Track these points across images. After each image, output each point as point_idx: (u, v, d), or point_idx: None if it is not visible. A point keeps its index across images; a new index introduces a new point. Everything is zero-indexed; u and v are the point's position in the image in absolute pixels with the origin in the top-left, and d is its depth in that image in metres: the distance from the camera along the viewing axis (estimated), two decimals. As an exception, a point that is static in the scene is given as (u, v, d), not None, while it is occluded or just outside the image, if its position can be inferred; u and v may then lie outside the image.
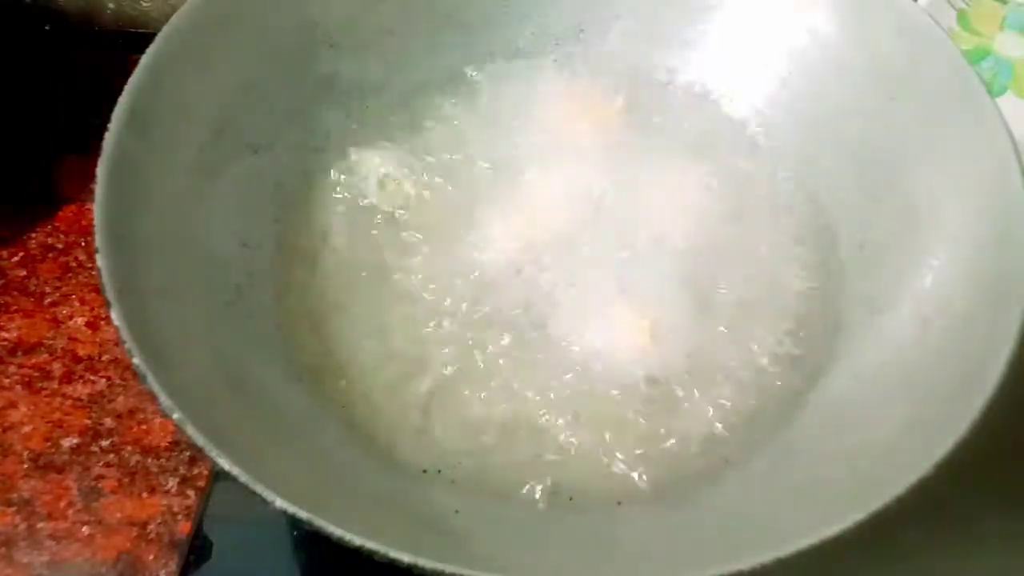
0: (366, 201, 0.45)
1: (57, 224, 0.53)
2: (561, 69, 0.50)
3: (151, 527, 0.43)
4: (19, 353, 0.48)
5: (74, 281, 0.50)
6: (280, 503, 0.29)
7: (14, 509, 0.43)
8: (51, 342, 0.48)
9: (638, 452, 0.39)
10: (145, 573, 0.42)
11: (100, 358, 0.48)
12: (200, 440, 0.30)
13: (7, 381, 0.47)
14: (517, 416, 0.39)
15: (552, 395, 0.40)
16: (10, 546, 0.43)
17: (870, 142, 0.44)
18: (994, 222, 0.38)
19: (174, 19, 0.40)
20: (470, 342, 0.41)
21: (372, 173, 0.46)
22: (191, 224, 0.39)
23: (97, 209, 0.35)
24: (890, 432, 0.36)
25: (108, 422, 0.46)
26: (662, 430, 0.39)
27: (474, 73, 0.49)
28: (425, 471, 0.38)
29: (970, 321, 0.37)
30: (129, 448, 0.45)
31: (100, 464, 0.45)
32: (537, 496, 0.38)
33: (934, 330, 0.38)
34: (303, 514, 0.29)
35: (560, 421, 0.39)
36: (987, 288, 0.37)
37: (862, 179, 0.44)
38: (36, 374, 0.47)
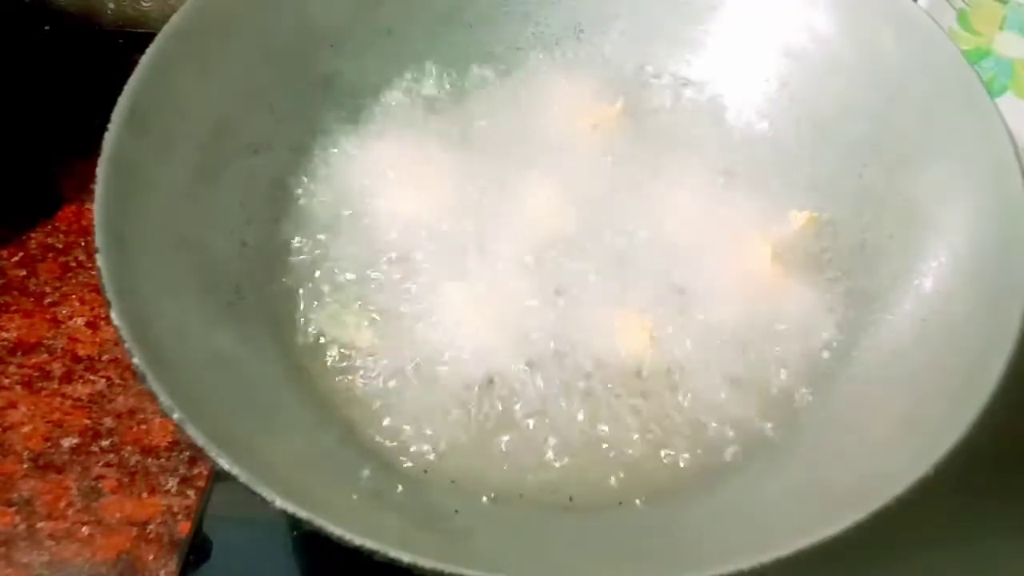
0: (367, 200, 0.45)
1: (57, 224, 0.53)
2: (561, 69, 0.50)
3: (151, 527, 0.43)
4: (19, 353, 0.48)
5: (74, 281, 0.50)
6: (280, 503, 0.29)
7: (14, 509, 0.43)
8: (51, 342, 0.48)
9: (638, 452, 0.39)
10: (145, 573, 0.42)
11: (100, 358, 0.48)
12: (200, 440, 0.30)
13: (7, 381, 0.47)
14: (518, 417, 0.39)
15: (552, 395, 0.40)
16: (10, 546, 0.42)
17: (870, 142, 0.44)
18: (994, 222, 0.38)
19: (174, 19, 0.40)
20: (470, 344, 0.41)
21: (372, 173, 0.46)
22: (191, 224, 0.40)
23: (97, 209, 0.35)
24: (890, 432, 0.36)
25: (108, 422, 0.46)
26: (662, 430, 0.39)
27: (474, 73, 0.49)
28: (425, 471, 0.38)
29: (970, 321, 0.37)
30: (129, 448, 0.45)
31: (100, 464, 0.45)
32: (537, 496, 0.38)
33: (934, 330, 0.38)
34: (303, 514, 0.29)
35: (560, 421, 0.39)
36: (987, 288, 0.37)
37: (862, 179, 0.44)
38: (36, 374, 0.47)
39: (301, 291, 0.42)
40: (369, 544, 0.29)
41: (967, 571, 0.43)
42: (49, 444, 0.45)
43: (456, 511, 0.36)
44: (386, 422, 0.39)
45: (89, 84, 0.51)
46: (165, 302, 0.36)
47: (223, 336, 0.38)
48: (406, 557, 0.29)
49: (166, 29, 0.40)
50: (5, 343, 0.48)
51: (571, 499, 0.38)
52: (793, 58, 0.47)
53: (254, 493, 0.30)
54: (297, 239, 0.44)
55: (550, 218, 0.44)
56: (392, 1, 0.47)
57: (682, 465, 0.39)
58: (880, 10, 0.44)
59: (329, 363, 0.40)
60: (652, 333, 0.41)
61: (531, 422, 0.39)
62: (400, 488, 0.37)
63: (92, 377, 0.47)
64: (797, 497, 0.35)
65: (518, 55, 0.50)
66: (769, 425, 0.39)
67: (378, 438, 0.39)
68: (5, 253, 0.51)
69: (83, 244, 0.52)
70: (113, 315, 0.32)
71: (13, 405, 0.46)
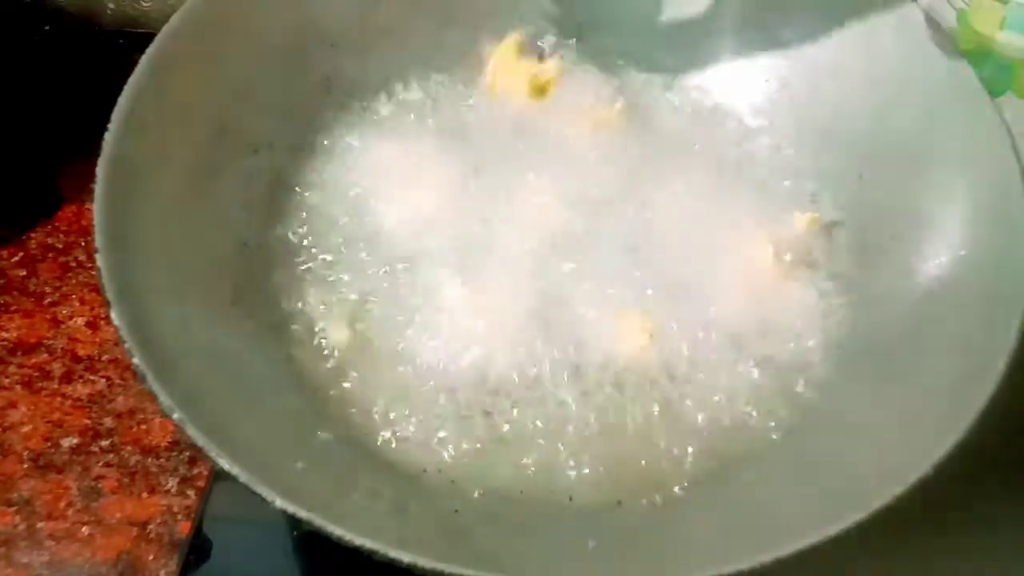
0: (367, 200, 0.45)
1: (57, 224, 0.53)
2: (561, 70, 0.50)
3: (151, 527, 0.43)
4: (19, 353, 0.48)
5: (74, 281, 0.50)
6: (280, 503, 0.29)
7: (14, 509, 0.43)
8: (51, 342, 0.48)
9: (638, 452, 0.39)
10: (145, 573, 0.42)
11: (100, 358, 0.48)
12: (200, 440, 0.30)
13: (7, 381, 0.47)
14: (518, 416, 0.39)
15: (552, 395, 0.40)
16: (10, 546, 0.42)
17: (870, 143, 0.44)
18: (994, 222, 0.38)
19: (174, 19, 0.40)
20: (471, 343, 0.41)
21: (373, 173, 0.46)
22: (191, 224, 0.40)
23: (97, 209, 0.35)
24: (890, 432, 0.36)
25: (108, 422, 0.46)
26: (662, 430, 0.39)
27: (474, 74, 0.49)
28: (425, 471, 0.38)
29: (970, 321, 0.37)
30: (129, 448, 0.45)
31: (100, 464, 0.45)
32: (537, 496, 0.38)
33: (934, 330, 0.38)
34: (303, 514, 0.29)
35: (560, 421, 0.39)
36: (987, 288, 0.37)
37: (862, 179, 0.44)
38: (36, 374, 0.47)
39: (301, 291, 0.42)
40: (369, 544, 0.29)
41: (967, 571, 0.43)
42: (49, 444, 0.45)
43: (456, 511, 0.36)
44: (386, 422, 0.39)
45: (89, 84, 0.51)
46: (165, 302, 0.36)
47: (223, 336, 0.38)
48: (406, 557, 0.29)
49: (166, 29, 0.40)
50: (5, 343, 0.48)
51: (571, 499, 0.38)
52: (793, 58, 0.47)
53: (254, 493, 0.30)
54: (297, 239, 0.44)
55: (550, 219, 0.44)
56: (392, 1, 0.47)
57: (682, 465, 0.38)
58: (880, 10, 0.44)
59: (329, 363, 0.40)
60: (652, 333, 0.41)
61: (531, 422, 0.39)
62: (400, 488, 0.37)
63: (92, 377, 0.47)
64: (797, 497, 0.35)
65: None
66: (769, 425, 0.39)
67: (378, 438, 0.39)
68: (5, 253, 0.51)
69: (83, 244, 0.52)
70: (113, 315, 0.32)
71: (13, 405, 0.46)
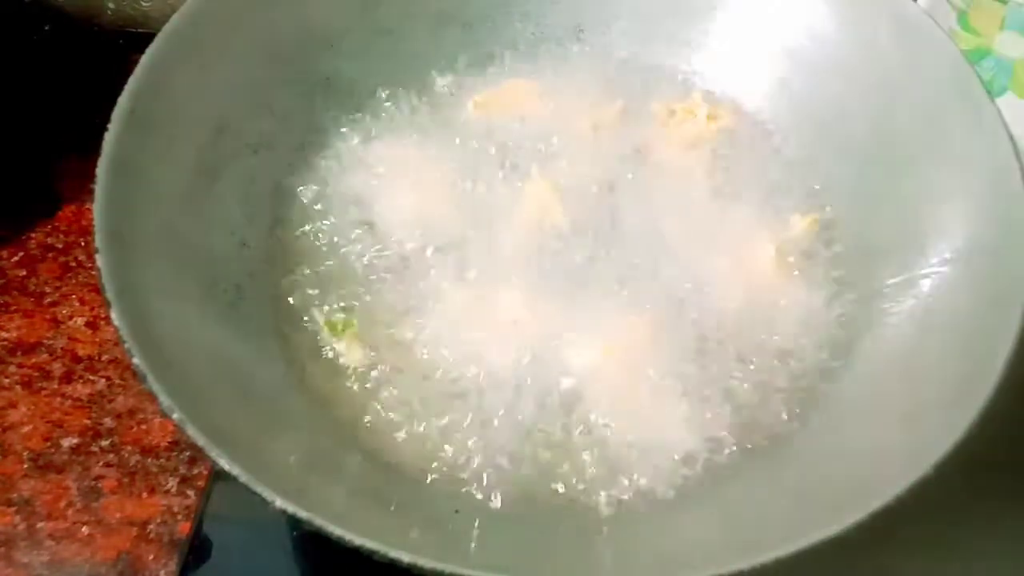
0: (366, 200, 0.45)
1: (57, 224, 0.53)
2: (561, 69, 0.50)
3: (151, 527, 0.43)
4: (19, 353, 0.48)
5: (74, 281, 0.50)
6: (280, 503, 0.29)
7: (14, 509, 0.43)
8: (51, 342, 0.48)
9: (638, 452, 0.39)
10: (145, 573, 0.42)
11: (100, 358, 0.48)
12: (200, 440, 0.30)
13: (7, 381, 0.47)
14: (518, 417, 0.39)
15: (551, 396, 0.40)
16: (10, 546, 0.43)
17: (870, 142, 0.44)
18: (994, 222, 0.38)
19: (174, 19, 0.40)
20: (471, 344, 0.41)
21: (372, 172, 0.46)
22: (191, 224, 0.40)
23: (97, 209, 0.35)
24: (890, 432, 0.36)
25: (108, 422, 0.46)
26: (661, 430, 0.39)
27: (473, 74, 0.49)
28: (426, 471, 0.38)
29: (970, 321, 0.37)
30: (129, 448, 0.45)
31: (100, 464, 0.45)
32: (537, 496, 0.38)
33: (934, 330, 0.38)
34: (303, 514, 0.29)
35: (559, 422, 0.39)
36: (987, 288, 0.37)
37: (862, 179, 0.44)
38: (36, 374, 0.47)
39: (301, 291, 0.42)
40: (369, 544, 0.29)
41: (968, 571, 0.43)
42: (49, 444, 0.45)
43: (456, 511, 0.36)
44: (385, 422, 0.39)
45: (89, 84, 0.51)
46: (165, 302, 0.36)
47: (223, 336, 0.38)
48: (406, 557, 0.29)
49: (166, 29, 0.40)
50: (5, 343, 0.48)
51: (571, 500, 0.38)
52: (793, 58, 0.47)
53: (254, 493, 0.30)
54: (297, 239, 0.44)
55: (550, 219, 0.44)
56: (392, 1, 0.47)
57: (682, 465, 0.38)
58: (880, 10, 0.44)
59: (329, 363, 0.40)
60: (651, 333, 0.41)
61: (530, 423, 0.39)
62: (400, 488, 0.37)
63: (92, 377, 0.47)
64: (797, 497, 0.35)
65: (518, 55, 0.50)
66: (770, 424, 0.39)
67: (378, 438, 0.39)
68: (5, 253, 0.51)
69: (83, 244, 0.52)
70: (113, 315, 0.32)
71: (13, 405, 0.46)
